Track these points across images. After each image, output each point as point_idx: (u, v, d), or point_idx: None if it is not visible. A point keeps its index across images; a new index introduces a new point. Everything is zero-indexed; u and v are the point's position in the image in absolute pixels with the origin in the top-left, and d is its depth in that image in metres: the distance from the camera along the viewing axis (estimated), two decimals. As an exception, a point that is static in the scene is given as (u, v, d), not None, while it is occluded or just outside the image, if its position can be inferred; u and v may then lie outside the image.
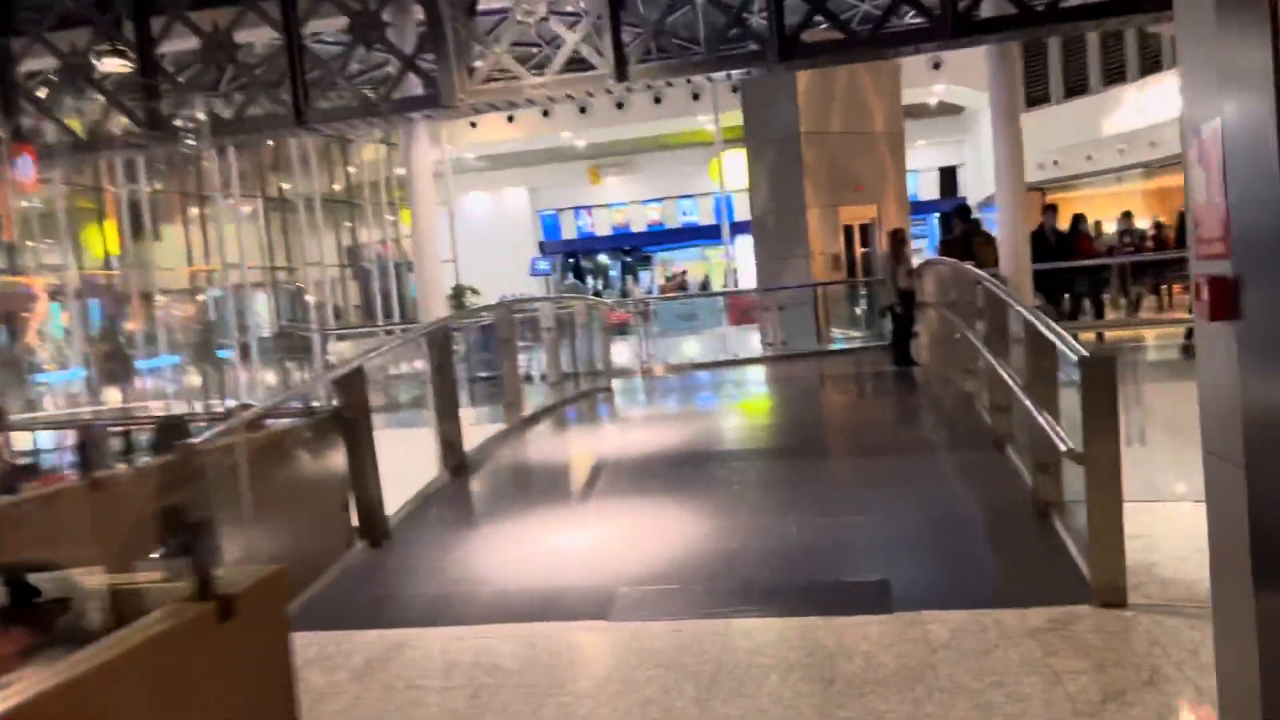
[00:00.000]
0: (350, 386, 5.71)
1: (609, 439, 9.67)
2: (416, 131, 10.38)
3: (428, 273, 12.09)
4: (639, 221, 34.06)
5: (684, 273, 32.42)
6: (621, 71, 8.37)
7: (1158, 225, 19.47)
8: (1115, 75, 23.32)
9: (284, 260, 23.21)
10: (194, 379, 21.09)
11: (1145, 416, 7.60)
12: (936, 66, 23.85)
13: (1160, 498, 6.23)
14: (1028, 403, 4.85)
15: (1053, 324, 4.66)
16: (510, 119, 25.67)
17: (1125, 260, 14.82)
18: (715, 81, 8.94)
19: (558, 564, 5.39)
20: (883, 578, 4.67)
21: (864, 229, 16.75)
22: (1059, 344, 4.41)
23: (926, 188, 30.34)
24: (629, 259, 35.87)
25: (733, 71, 8.38)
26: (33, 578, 2.00)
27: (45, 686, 1.57)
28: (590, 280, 34.96)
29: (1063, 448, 4.19)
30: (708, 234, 31.26)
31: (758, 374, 14.25)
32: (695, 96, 24.64)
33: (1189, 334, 10.71)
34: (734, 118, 19.83)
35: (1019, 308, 5.36)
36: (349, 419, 5.69)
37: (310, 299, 23.19)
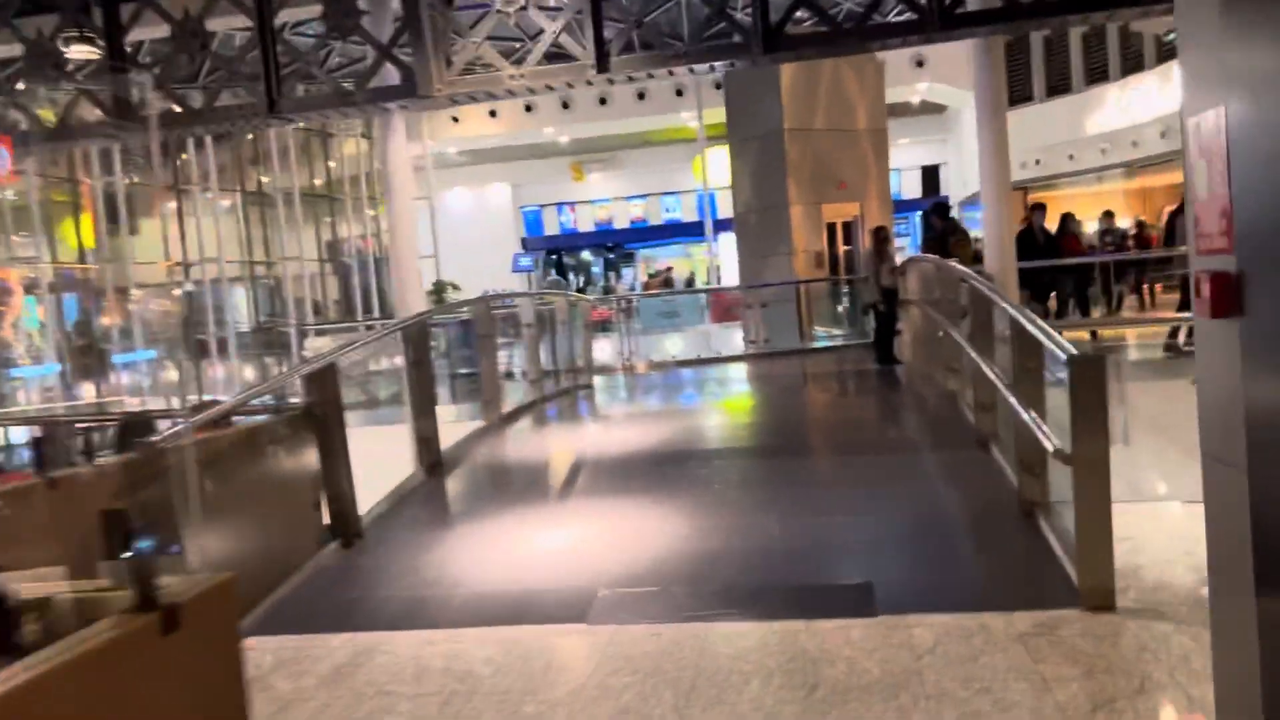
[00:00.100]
0: (322, 383, 5.57)
1: (589, 437, 9.55)
2: (393, 123, 10.19)
3: (404, 268, 11.94)
4: (622, 218, 33.92)
5: (669, 269, 32.29)
6: (603, 63, 8.23)
7: (1140, 225, 19.49)
8: (1097, 75, 23.37)
9: (263, 255, 22.96)
10: (171, 374, 20.86)
11: (1129, 415, 7.54)
12: (920, 65, 23.84)
13: (1146, 498, 6.18)
14: (1013, 402, 4.76)
15: (1040, 322, 4.57)
16: (492, 114, 25.50)
17: (1120, 259, 14.81)
18: (698, 74, 8.80)
19: (535, 565, 5.27)
20: (866, 580, 4.57)
21: (847, 227, 16.70)
22: (1046, 342, 4.32)
23: (909, 186, 30.36)
24: (612, 255, 35.73)
25: (716, 63, 8.26)
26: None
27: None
28: (572, 277, 34.80)
29: (1050, 448, 4.09)
30: (691, 231, 31.16)
31: (740, 372, 14.17)
32: (679, 93, 24.55)
33: (1173, 333, 10.67)
34: (717, 114, 19.74)
35: (1005, 305, 5.27)
36: (321, 416, 5.55)
37: (289, 294, 22.95)
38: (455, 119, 25.71)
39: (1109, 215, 17.76)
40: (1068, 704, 3.29)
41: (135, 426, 5.20)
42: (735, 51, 8.03)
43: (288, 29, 18.01)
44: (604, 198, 33.78)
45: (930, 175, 31.20)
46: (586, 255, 36.27)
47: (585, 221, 34.20)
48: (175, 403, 20.64)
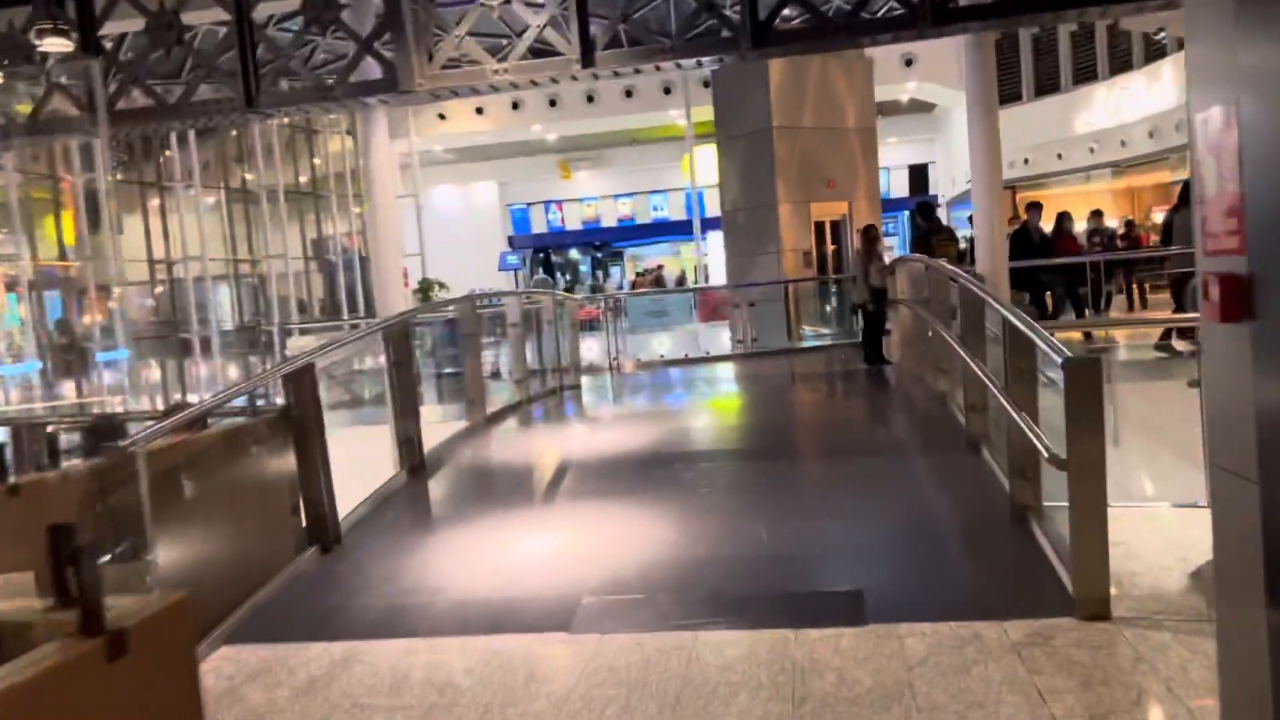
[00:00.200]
0: (300, 383, 5.43)
1: (575, 438, 9.43)
2: (374, 119, 10.06)
3: (386, 266, 11.79)
4: (609, 216, 33.81)
5: (660, 267, 32.17)
6: (588, 58, 8.10)
7: (1129, 224, 19.48)
8: (1086, 74, 23.37)
9: (247, 252, 22.77)
10: (154, 373, 20.66)
11: (1120, 417, 7.47)
12: (909, 64, 23.79)
13: (1136, 500, 6.10)
14: (1007, 405, 4.66)
15: (1033, 323, 4.48)
16: (479, 111, 25.34)
17: (1121, 258, 14.77)
18: (685, 69, 8.69)
19: (518, 571, 5.15)
20: (856, 587, 4.47)
21: (835, 225, 16.63)
22: (1041, 344, 4.22)
23: (897, 185, 30.32)
24: (599, 254, 35.61)
25: (704, 59, 8.13)
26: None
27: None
28: (559, 275, 34.65)
29: (1045, 454, 3.99)
30: (679, 230, 31.07)
31: (728, 371, 14.08)
32: (667, 90, 24.44)
33: (1166, 334, 10.59)
34: (705, 112, 19.65)
35: (999, 307, 5.17)
36: (298, 418, 5.42)
37: (274, 292, 22.76)
38: (442, 116, 25.55)
39: (1097, 215, 17.74)
40: (1064, 718, 3.20)
41: (104, 430, 5.06)
42: (723, 46, 7.91)
43: (272, 24, 17.91)
44: (591, 196, 33.68)
45: (918, 174, 31.18)
46: (574, 254, 36.16)
47: (573, 220, 34.09)
48: (159, 402, 20.47)
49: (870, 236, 12.06)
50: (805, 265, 16.15)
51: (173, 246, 20.82)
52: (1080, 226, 18.15)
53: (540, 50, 9.07)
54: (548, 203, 33.89)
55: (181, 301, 20.97)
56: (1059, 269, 13.10)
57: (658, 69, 8.42)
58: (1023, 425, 4.39)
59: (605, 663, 3.92)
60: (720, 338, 16.76)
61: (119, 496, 3.86)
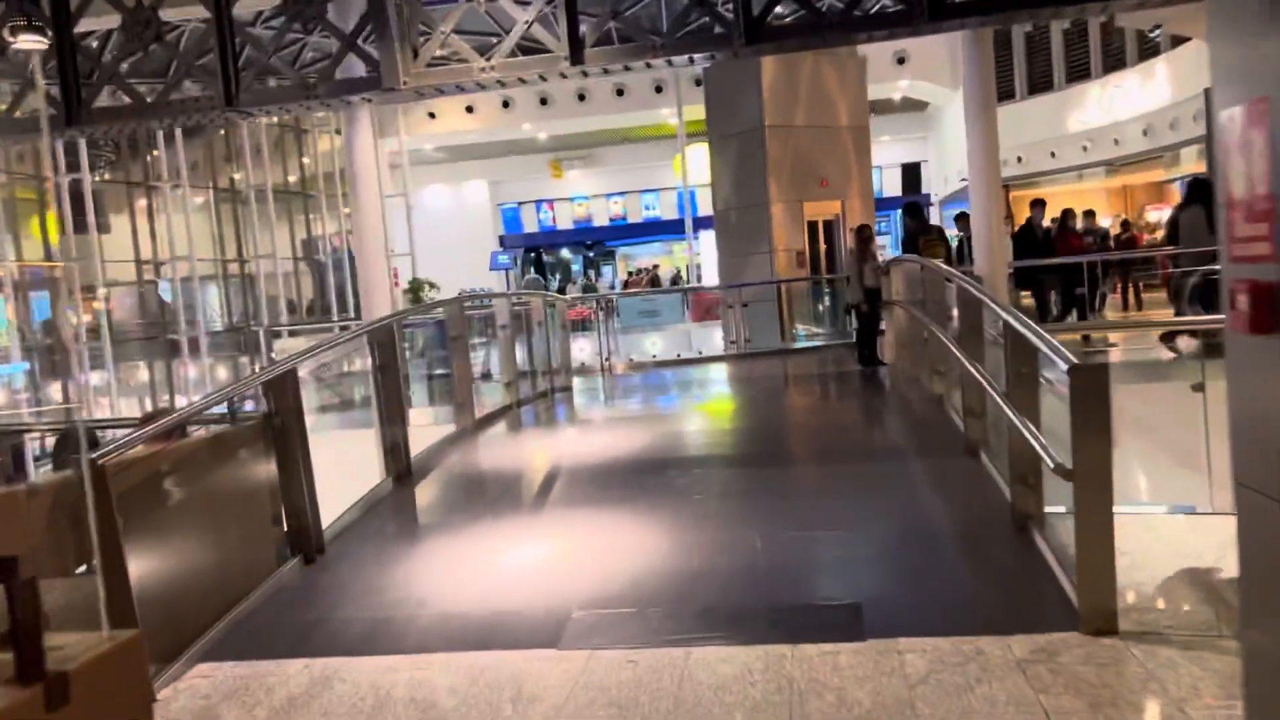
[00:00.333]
0: (282, 390, 5.28)
1: (565, 443, 9.28)
2: (358, 117, 9.90)
3: (371, 267, 11.61)
4: (601, 216, 33.64)
5: (655, 267, 32.02)
6: (576, 55, 7.94)
7: (1125, 224, 19.39)
8: (1079, 72, 23.28)
9: (235, 253, 22.54)
10: (141, 376, 20.46)
11: (1116, 420, 7.34)
12: (901, 62, 23.66)
13: (1135, 505, 5.98)
14: (1010, 412, 4.53)
15: (1036, 327, 4.34)
16: (469, 110, 25.15)
17: (1123, 257, 14.66)
18: (677, 66, 8.52)
19: (505, 583, 5.01)
20: (854, 601, 4.34)
21: (828, 225, 16.51)
22: (1044, 349, 4.09)
23: (889, 184, 30.21)
24: (591, 253, 35.44)
25: (696, 55, 7.95)
26: None
27: None
28: (550, 275, 34.46)
29: (1050, 464, 3.86)
30: (671, 229, 30.92)
31: (721, 372, 13.94)
32: (658, 89, 24.28)
33: (1168, 336, 10.44)
34: (697, 111, 19.52)
35: (1000, 310, 5.04)
36: (280, 425, 5.26)
37: (263, 292, 22.55)
38: (432, 115, 25.34)
39: (1090, 214, 17.63)
40: (1073, 742, 3.07)
41: (74, 439, 4.90)
42: (716, 43, 7.75)
43: (260, 22, 17.72)
44: (583, 195, 33.50)
45: (911, 173, 31.06)
46: (566, 253, 35.98)
47: (564, 219, 33.91)
48: (148, 404, 20.28)
49: (864, 236, 11.93)
50: (798, 265, 16.03)
51: (160, 247, 20.59)
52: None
53: (528, 48, 8.92)
54: (539, 202, 33.70)
55: (170, 302, 20.73)
56: (1055, 268, 12.98)
57: (648, 66, 8.26)
58: (1026, 433, 4.25)
59: (595, 680, 3.78)
60: (713, 338, 16.63)
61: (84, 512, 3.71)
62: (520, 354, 10.91)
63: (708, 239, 22.06)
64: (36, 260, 18.55)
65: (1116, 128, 22.12)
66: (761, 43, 7.68)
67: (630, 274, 32.42)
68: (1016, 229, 13.69)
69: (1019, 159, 23.82)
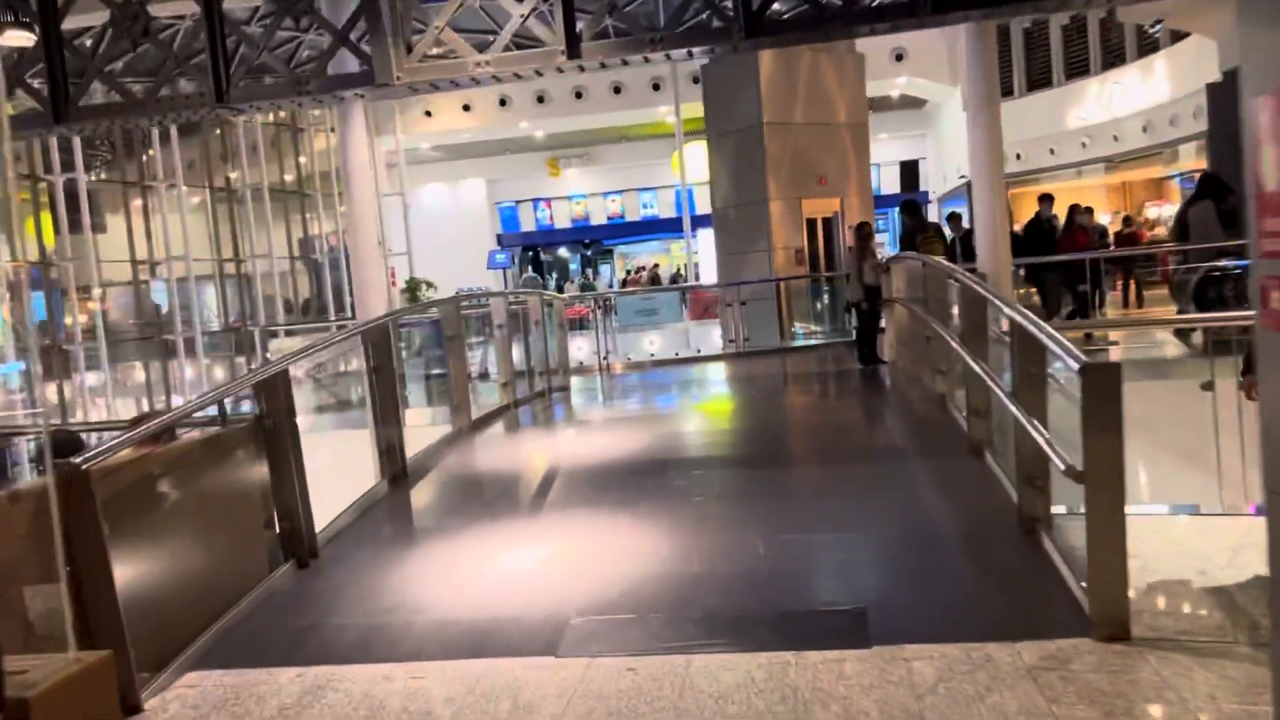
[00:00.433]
0: (273, 391, 5.17)
1: (563, 444, 9.18)
2: (352, 115, 9.78)
3: (366, 266, 11.49)
4: (599, 214, 33.54)
5: (655, 266, 31.92)
6: (573, 49, 7.82)
7: (1127, 220, 19.29)
8: (1078, 69, 23.20)
9: (231, 252, 22.42)
10: (138, 376, 20.34)
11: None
12: (899, 59, 23.57)
13: (1145, 507, 5.89)
14: (1018, 413, 4.43)
15: (1047, 327, 4.25)
16: (466, 108, 25.04)
17: (1128, 254, 14.55)
18: (675, 60, 8.38)
19: (502, 588, 4.91)
20: (859, 605, 4.24)
21: (827, 222, 16.42)
22: (1054, 348, 3.99)
23: (888, 182, 30.12)
24: (589, 252, 35.34)
25: (695, 49, 7.82)
26: None
27: None
28: (548, 274, 34.36)
29: (1061, 466, 3.76)
30: (669, 227, 30.83)
31: (719, 372, 13.83)
32: (656, 87, 24.18)
33: (1183, 333, 10.33)
34: (695, 109, 19.41)
35: (1007, 309, 4.94)
36: (272, 426, 5.16)
37: (259, 292, 22.43)
38: (428, 113, 25.23)
39: (1089, 211, 17.53)
40: (1089, 754, 2.97)
41: (59, 443, 4.79)
42: (715, 36, 7.62)
43: (255, 20, 17.59)
44: (581, 193, 33.39)
45: (909, 171, 30.98)
46: (563, 252, 35.87)
47: (562, 218, 33.80)
48: (144, 405, 20.17)
49: (864, 233, 11.83)
50: (797, 263, 15.93)
51: (156, 246, 20.47)
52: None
53: (525, 44, 8.81)
54: (536, 200, 33.59)
55: (167, 302, 20.61)
56: (1058, 264, 12.85)
57: (646, 60, 8.13)
58: (1035, 434, 4.15)
59: (594, 689, 3.68)
60: (711, 336, 16.54)
61: (72, 516, 3.60)
62: (517, 353, 10.82)
63: (706, 237, 21.98)
64: (33, 261, 18.43)
65: (1116, 124, 22.05)
66: (761, 36, 7.56)
67: (628, 273, 32.33)
68: (1020, 226, 13.56)
69: (1018, 156, 23.74)
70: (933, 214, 26.29)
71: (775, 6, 8.22)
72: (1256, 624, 3.75)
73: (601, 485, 6.83)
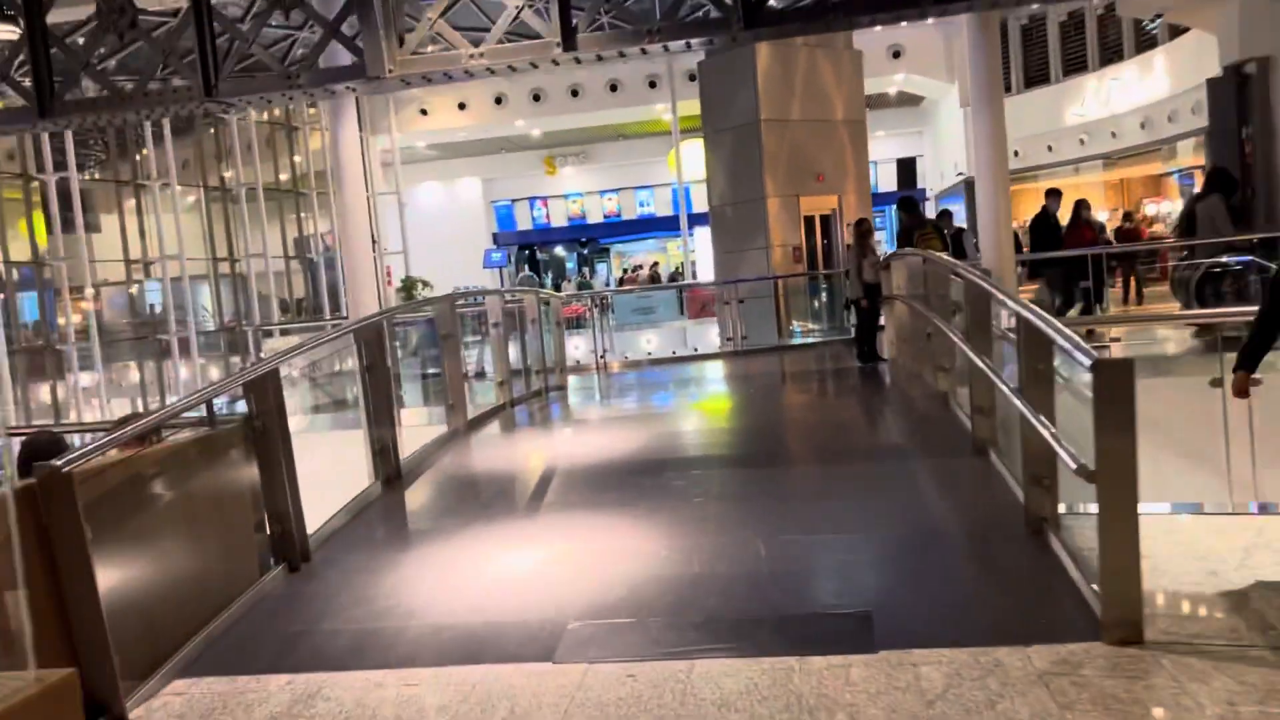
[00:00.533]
0: (263, 391, 5.06)
1: (560, 444, 9.07)
2: (343, 111, 9.64)
3: (357, 264, 11.34)
4: (595, 212, 33.43)
5: (656, 265, 31.81)
6: (569, 41, 7.69)
7: (1127, 215, 19.21)
8: (1076, 65, 23.12)
9: (226, 252, 22.29)
10: (132, 377, 20.22)
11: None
12: (896, 56, 23.52)
13: (1160, 509, 5.78)
14: (1026, 410, 4.33)
15: (1056, 323, 4.14)
16: (462, 106, 24.93)
17: (1129, 250, 14.45)
18: (673, 53, 8.25)
19: (499, 592, 4.79)
20: (864, 608, 4.13)
21: (825, 220, 16.33)
22: (1065, 344, 3.88)
23: (884, 180, 30.04)
24: (585, 251, 35.23)
25: (693, 40, 7.68)
26: None
27: None
28: (545, 273, 34.24)
29: (1072, 465, 3.66)
30: (665, 225, 30.73)
31: (718, 370, 13.73)
32: (652, 84, 24.09)
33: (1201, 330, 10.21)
34: (691, 106, 19.32)
35: (1014, 304, 4.83)
36: (262, 427, 5.05)
37: (254, 291, 22.31)
38: (424, 112, 25.13)
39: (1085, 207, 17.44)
40: (1105, 764, 2.87)
41: (41, 445, 4.68)
42: (714, 28, 7.49)
43: (249, 18, 17.46)
44: (577, 192, 33.29)
45: (906, 168, 30.89)
46: (560, 251, 35.76)
47: (558, 216, 33.69)
48: (140, 405, 20.04)
49: (863, 230, 11.73)
50: (795, 260, 15.85)
51: (150, 246, 20.34)
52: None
53: (520, 38, 8.69)
54: (532, 199, 33.48)
55: (161, 302, 20.49)
56: (1061, 260, 12.73)
57: (643, 52, 8.00)
58: (1045, 432, 4.05)
59: (592, 697, 3.58)
60: (709, 335, 16.45)
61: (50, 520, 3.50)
62: (514, 352, 10.72)
63: (703, 236, 21.89)
64: (23, 260, 18.32)
65: (1114, 120, 21.97)
66: (760, 27, 7.42)
67: (625, 271, 32.22)
68: (1020, 224, 13.47)
69: (1015, 153, 23.64)
70: (929, 212, 26.20)
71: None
72: (1272, 626, 3.66)
73: (599, 485, 6.72)
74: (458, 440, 8.36)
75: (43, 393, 18.49)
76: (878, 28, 21.32)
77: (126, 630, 3.84)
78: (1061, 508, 4.59)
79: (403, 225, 25.08)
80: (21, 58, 8.21)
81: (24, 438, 4.89)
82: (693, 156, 21.20)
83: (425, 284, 23.72)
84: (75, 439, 4.73)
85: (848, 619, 4.07)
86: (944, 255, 8.44)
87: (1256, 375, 4.52)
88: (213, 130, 22.42)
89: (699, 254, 25.33)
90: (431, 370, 11.42)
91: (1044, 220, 12.98)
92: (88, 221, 19.05)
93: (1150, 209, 23.27)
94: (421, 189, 30.83)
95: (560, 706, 3.53)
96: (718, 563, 4.87)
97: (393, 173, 25.23)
